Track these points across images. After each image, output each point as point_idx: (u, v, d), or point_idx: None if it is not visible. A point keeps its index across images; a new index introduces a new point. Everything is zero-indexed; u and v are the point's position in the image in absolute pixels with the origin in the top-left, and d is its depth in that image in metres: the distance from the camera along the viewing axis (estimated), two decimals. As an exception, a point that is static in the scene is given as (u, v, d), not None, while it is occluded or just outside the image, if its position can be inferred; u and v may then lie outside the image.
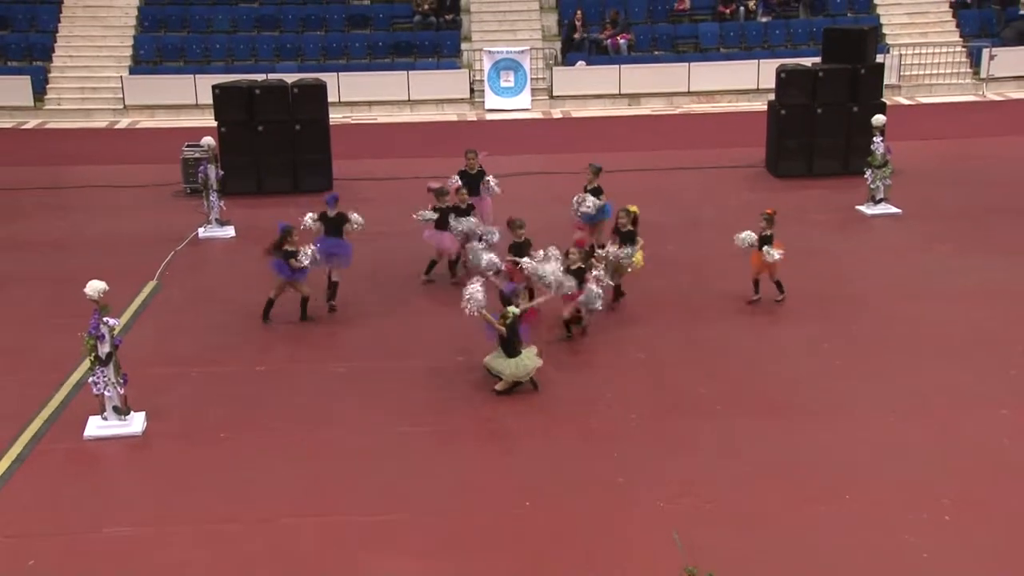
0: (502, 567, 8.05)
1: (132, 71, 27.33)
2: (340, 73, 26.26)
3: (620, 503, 8.84)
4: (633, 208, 12.79)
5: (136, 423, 10.14)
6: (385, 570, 8.06)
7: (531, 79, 26.78)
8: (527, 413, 10.46)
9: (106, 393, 9.97)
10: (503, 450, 9.93)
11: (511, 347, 10.69)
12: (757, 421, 10.14)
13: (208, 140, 16.57)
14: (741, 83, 26.82)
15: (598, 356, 11.66)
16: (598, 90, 26.90)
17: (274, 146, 18.58)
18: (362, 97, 26.46)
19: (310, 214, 13.21)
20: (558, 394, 10.78)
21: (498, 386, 10.73)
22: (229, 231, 16.50)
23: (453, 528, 8.55)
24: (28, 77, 26.65)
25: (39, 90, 26.82)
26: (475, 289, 10.94)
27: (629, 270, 12.70)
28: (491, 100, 26.70)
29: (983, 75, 27.10)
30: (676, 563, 6.93)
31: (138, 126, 25.79)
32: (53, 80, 27.21)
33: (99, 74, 27.23)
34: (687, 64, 27.17)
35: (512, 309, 10.76)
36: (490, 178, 14.67)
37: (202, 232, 16.40)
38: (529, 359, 10.72)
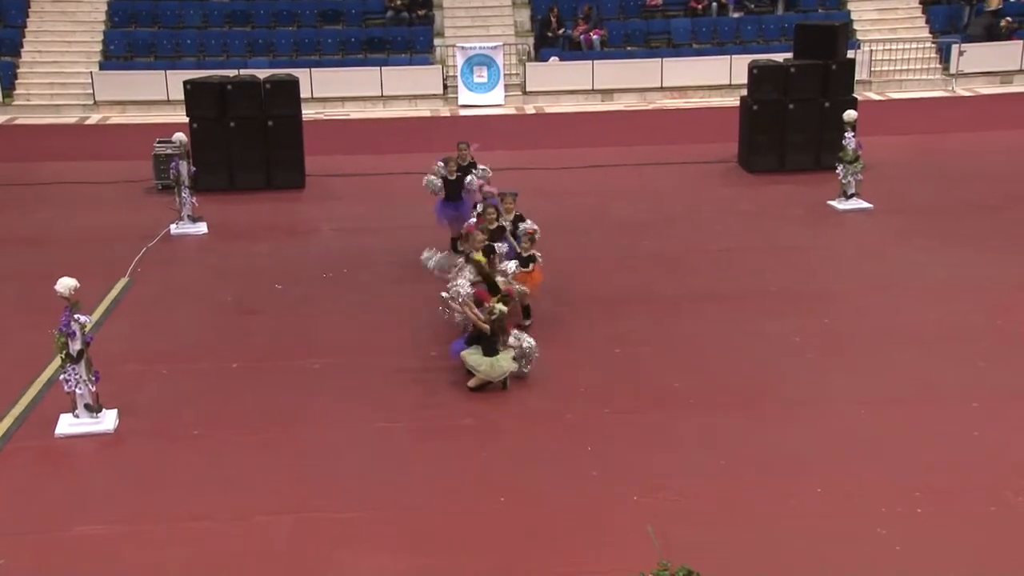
0: (477, 563, 8.05)
1: (102, 66, 27.09)
2: (312, 69, 26.15)
3: (595, 498, 8.85)
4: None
5: (108, 420, 10.07)
6: (361, 566, 8.05)
7: (504, 75, 26.77)
8: (502, 408, 10.46)
9: (77, 391, 9.89)
10: (478, 446, 9.91)
11: (491, 345, 10.69)
12: (731, 415, 10.19)
13: (180, 136, 16.46)
14: (713, 79, 26.88)
15: (572, 351, 11.66)
16: (571, 86, 26.90)
17: (246, 142, 18.46)
18: (335, 93, 26.34)
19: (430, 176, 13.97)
20: (532, 389, 10.78)
21: (471, 382, 10.72)
22: (201, 227, 16.39)
23: (429, 524, 8.54)
24: (-4, 72, 26.44)
25: (8, 85, 26.53)
26: (462, 283, 11.00)
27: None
28: (464, 96, 26.67)
29: (952, 71, 27.31)
30: (651, 557, 6.95)
31: (109, 122, 25.59)
32: (22, 76, 26.93)
33: (69, 69, 26.97)
34: (660, 60, 27.20)
35: (500, 307, 10.76)
36: (473, 178, 13.87)
37: (174, 228, 16.29)
38: (505, 361, 10.70)
